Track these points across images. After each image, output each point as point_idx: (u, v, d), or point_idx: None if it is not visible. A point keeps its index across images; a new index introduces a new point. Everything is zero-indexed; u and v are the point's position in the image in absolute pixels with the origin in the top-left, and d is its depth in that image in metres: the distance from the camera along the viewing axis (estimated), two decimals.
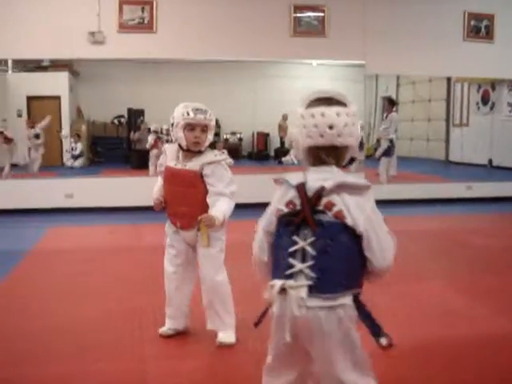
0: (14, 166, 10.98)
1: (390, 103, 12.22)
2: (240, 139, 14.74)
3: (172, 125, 3.65)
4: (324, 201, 2.02)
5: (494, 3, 10.67)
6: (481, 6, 10.64)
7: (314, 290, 2.00)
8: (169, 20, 9.47)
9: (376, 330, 2.04)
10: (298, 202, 2.07)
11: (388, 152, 11.44)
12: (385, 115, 12.10)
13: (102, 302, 4.68)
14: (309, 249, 2.02)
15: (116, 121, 13.55)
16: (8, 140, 11.01)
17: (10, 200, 9.20)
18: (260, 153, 14.84)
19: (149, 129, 11.97)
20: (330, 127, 2.06)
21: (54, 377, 3.32)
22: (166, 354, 3.66)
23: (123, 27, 9.37)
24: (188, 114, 3.58)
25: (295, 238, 2.04)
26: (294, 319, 2.01)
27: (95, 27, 9.21)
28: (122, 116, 13.52)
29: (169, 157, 3.76)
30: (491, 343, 3.73)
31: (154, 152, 10.97)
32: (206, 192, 3.59)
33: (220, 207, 3.51)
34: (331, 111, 2.07)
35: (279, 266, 2.09)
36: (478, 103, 14.91)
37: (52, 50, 9.25)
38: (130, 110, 13.36)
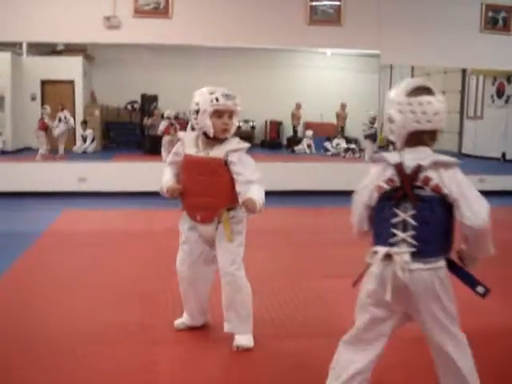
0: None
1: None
2: (253, 127, 14.72)
3: (197, 112, 3.41)
4: (421, 177, 2.33)
5: None
6: None
7: (416, 256, 2.32)
8: (184, 6, 9.46)
9: (472, 281, 2.42)
10: (396, 179, 2.38)
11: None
12: None
13: (115, 285, 4.71)
14: (410, 220, 2.34)
15: (129, 106, 13.57)
16: (45, 126, 11.29)
17: (26, 183, 9.28)
18: (272, 141, 14.84)
19: (162, 114, 11.94)
20: (436, 114, 2.38)
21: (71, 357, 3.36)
22: (175, 340, 3.69)
23: (139, 12, 9.36)
24: (217, 99, 3.39)
25: (396, 210, 2.36)
26: (396, 281, 2.32)
27: (111, 12, 9.21)
28: (136, 101, 13.54)
29: (187, 145, 3.54)
30: (500, 335, 3.73)
31: (166, 138, 10.93)
32: (230, 181, 3.41)
33: (256, 193, 3.32)
34: (435, 100, 2.39)
35: (381, 236, 2.42)
36: (492, 96, 14.82)
37: (67, 34, 9.25)
38: (143, 96, 13.38)
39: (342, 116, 14.64)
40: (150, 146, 12.15)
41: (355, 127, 13.94)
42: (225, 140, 3.49)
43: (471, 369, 2.42)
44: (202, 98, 3.42)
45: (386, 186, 2.40)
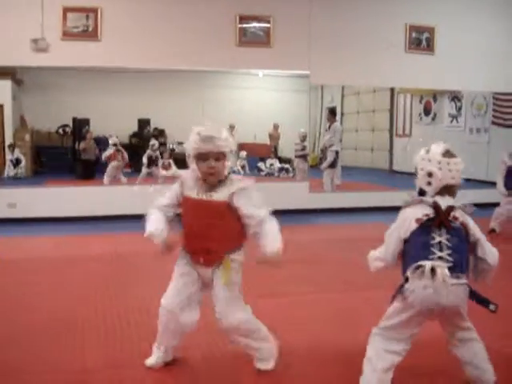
0: None
1: (332, 113, 12.49)
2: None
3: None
4: (452, 214, 2.97)
5: (434, 16, 10.95)
6: (421, 18, 10.91)
7: (451, 271, 2.84)
8: (114, 28, 9.44)
9: (485, 301, 2.92)
10: (431, 213, 2.97)
11: (333, 163, 11.65)
12: (328, 125, 12.33)
13: (48, 311, 4.62)
14: (445, 242, 2.91)
15: (61, 130, 13.34)
16: None
17: None
18: None
19: (101, 139, 11.91)
20: (461, 172, 3.12)
21: None
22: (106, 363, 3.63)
23: (67, 34, 9.29)
24: (196, 143, 3.23)
25: (434, 235, 2.93)
26: (438, 292, 2.82)
27: (38, 34, 9.10)
28: (67, 125, 13.33)
29: (187, 186, 3.33)
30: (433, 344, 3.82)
31: (113, 164, 11.19)
32: (234, 223, 3.28)
33: (275, 236, 3.27)
34: (460, 161, 3.13)
35: (419, 257, 2.91)
36: (420, 114, 15.23)
37: None
38: (74, 120, 13.19)
39: (274, 136, 14.78)
40: (83, 171, 11.99)
41: (288, 147, 14.10)
42: (225, 180, 3.29)
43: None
44: (190, 139, 3.30)
45: (424, 218, 2.97)
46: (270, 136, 14.77)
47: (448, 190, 3.08)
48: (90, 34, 9.33)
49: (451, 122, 14.51)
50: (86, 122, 12.98)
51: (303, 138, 12.03)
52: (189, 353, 3.71)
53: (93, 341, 3.99)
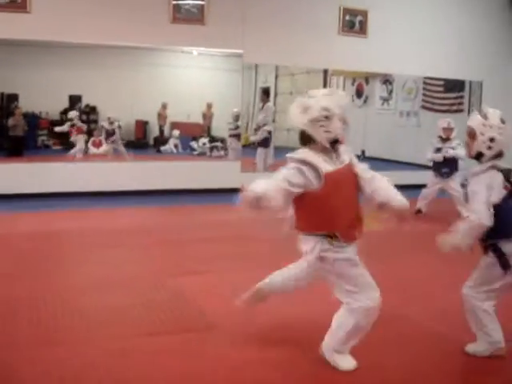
0: None
1: (265, 94, 12.56)
2: (119, 126, 14.51)
3: (326, 117, 3.10)
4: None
5: (367, 0, 11.07)
6: (355, 1, 11.01)
7: None
8: (44, 0, 9.17)
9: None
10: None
11: (265, 143, 11.71)
12: (261, 105, 12.40)
13: None
14: None
15: None
16: None
17: None
18: (139, 141, 14.67)
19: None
20: None
21: None
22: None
23: None
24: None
25: None
26: None
27: None
28: None
29: (319, 164, 3.13)
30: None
31: (79, 137, 11.72)
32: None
33: (394, 189, 3.25)
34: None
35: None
36: (352, 96, 15.42)
37: None
38: (2, 95, 12.84)
39: (208, 116, 14.73)
40: (12, 147, 11.69)
41: (221, 127, 14.09)
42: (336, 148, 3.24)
43: None
44: (332, 101, 3.14)
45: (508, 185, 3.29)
46: (204, 115, 14.72)
47: (500, 154, 3.34)
48: (18, 5, 9.02)
49: (382, 104, 14.77)
50: (14, 97, 12.65)
51: (236, 118, 12.04)
52: None
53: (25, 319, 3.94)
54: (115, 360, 3.35)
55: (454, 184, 8.31)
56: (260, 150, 11.72)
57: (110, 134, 12.42)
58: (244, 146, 12.09)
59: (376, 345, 3.49)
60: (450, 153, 8.32)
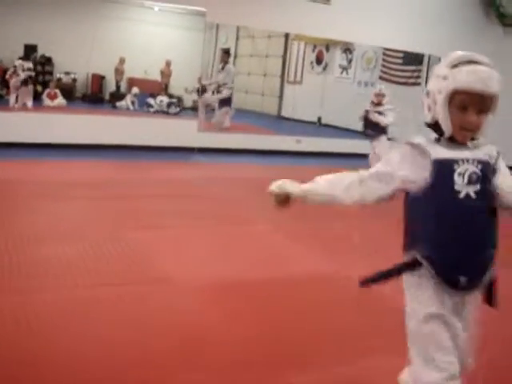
0: None
1: (226, 54, 12.47)
2: (74, 80, 14.25)
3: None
4: None
5: None
6: None
7: None
8: None
9: None
10: None
11: (229, 101, 11.69)
12: (221, 66, 12.31)
13: None
14: None
15: None
16: None
17: None
18: (95, 95, 14.45)
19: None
20: None
21: None
22: None
23: None
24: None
25: None
26: None
27: None
28: None
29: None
30: (308, 281, 4.00)
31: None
32: None
33: None
34: None
35: None
36: (312, 63, 15.43)
37: None
38: None
39: (166, 73, 14.59)
40: None
41: (179, 85, 13.97)
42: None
43: None
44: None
45: None
46: (162, 73, 14.57)
47: None
48: None
49: (341, 73, 14.82)
50: None
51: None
52: None
53: None
54: (66, 307, 3.36)
55: (377, 147, 8.54)
56: (225, 109, 11.66)
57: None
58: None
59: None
60: (376, 117, 8.56)
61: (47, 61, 13.52)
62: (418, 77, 13.08)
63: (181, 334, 3.14)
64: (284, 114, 15.40)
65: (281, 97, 15.48)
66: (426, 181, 2.02)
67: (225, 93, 11.84)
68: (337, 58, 14.94)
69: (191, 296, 3.68)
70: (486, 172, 2.04)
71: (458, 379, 2.08)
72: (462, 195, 2.00)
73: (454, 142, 2.08)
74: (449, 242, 2.04)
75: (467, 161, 2.03)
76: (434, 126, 2.11)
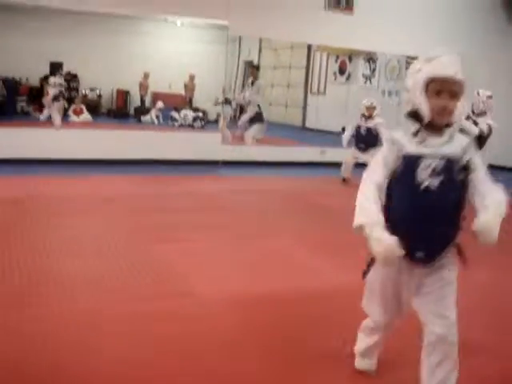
0: None
1: (255, 68, 12.29)
2: (99, 95, 14.42)
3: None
4: None
5: None
6: None
7: None
8: None
9: None
10: None
11: (261, 118, 11.60)
12: (250, 81, 12.10)
13: None
14: None
15: None
16: None
17: None
18: (120, 110, 14.60)
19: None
20: None
21: None
22: None
23: None
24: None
25: None
26: None
27: None
28: None
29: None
30: (335, 295, 3.98)
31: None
32: None
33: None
34: None
35: None
36: (335, 73, 15.44)
37: None
38: None
39: (190, 87, 14.69)
40: None
41: (203, 99, 14.05)
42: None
43: None
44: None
45: None
46: (186, 86, 14.68)
47: None
48: None
49: (365, 82, 14.79)
50: None
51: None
52: None
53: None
54: (85, 319, 3.36)
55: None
56: (258, 126, 11.41)
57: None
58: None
59: None
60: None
61: (73, 77, 13.71)
62: None
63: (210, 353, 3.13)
64: (308, 124, 15.40)
65: (305, 107, 15.49)
66: (398, 169, 2.36)
67: (251, 110, 11.66)
68: (360, 67, 14.92)
69: (215, 309, 3.67)
70: (451, 166, 2.32)
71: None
72: (423, 186, 2.30)
73: (432, 128, 2.34)
74: (408, 223, 2.35)
75: (433, 156, 2.31)
76: (415, 114, 2.37)
